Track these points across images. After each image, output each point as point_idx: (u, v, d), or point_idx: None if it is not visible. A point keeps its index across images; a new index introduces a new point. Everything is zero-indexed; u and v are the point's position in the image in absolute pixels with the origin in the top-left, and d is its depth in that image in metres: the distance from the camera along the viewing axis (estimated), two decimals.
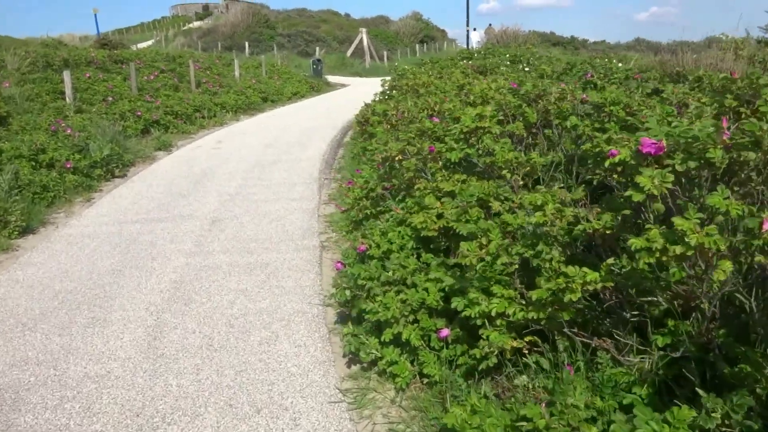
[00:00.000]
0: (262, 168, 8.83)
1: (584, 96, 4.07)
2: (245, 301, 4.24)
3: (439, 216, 3.13)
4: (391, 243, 3.40)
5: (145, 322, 3.95)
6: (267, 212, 6.53)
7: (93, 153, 8.48)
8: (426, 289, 2.92)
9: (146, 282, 4.63)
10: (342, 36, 42.60)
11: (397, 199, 3.83)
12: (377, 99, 10.67)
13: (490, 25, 33.86)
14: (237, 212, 6.55)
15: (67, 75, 11.19)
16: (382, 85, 11.83)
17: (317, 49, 34.13)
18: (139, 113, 11.60)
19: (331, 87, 24.93)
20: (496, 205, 2.79)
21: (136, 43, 39.25)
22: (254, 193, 7.40)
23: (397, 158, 3.74)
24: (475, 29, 33.02)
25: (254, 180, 8.08)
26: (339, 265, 3.91)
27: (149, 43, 40.33)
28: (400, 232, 3.46)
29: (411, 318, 2.92)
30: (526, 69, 7.68)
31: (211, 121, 13.80)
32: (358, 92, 21.67)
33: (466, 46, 27.66)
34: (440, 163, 3.23)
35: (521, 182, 3.02)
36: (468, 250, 2.40)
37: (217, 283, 4.58)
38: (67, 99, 11.11)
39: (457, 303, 2.55)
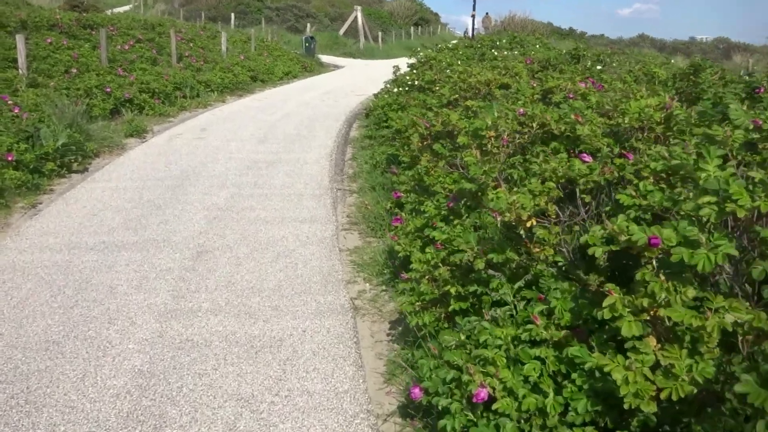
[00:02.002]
0: (258, 170, 7.16)
1: None
2: (255, 427, 2.67)
3: (654, 367, 1.61)
4: (534, 387, 1.87)
5: None
6: (270, 241, 4.93)
7: (45, 141, 6.72)
8: None
9: (96, 372, 3.02)
10: (334, 13, 40.47)
11: (516, 286, 2.30)
12: (396, 91, 9.03)
13: (487, 14, 32.11)
14: (230, 239, 4.93)
15: (20, 39, 9.26)
16: (395, 73, 10.18)
17: (308, 25, 32.03)
18: (108, 90, 9.77)
19: (324, 68, 23.08)
20: None
21: (112, 7, 36.51)
22: (250, 207, 5.77)
23: (528, 223, 2.21)
24: (473, 16, 31.54)
25: (249, 188, 6.43)
26: (417, 391, 2.36)
27: (126, 8, 37.55)
28: (546, 364, 1.93)
29: None
30: (598, 68, 6.17)
31: (194, 101, 11.98)
32: (356, 76, 19.95)
33: (468, 33, 25.97)
34: (654, 262, 1.71)
35: None
36: None
37: (207, 380, 2.99)
38: (19, 69, 9.21)
39: None
